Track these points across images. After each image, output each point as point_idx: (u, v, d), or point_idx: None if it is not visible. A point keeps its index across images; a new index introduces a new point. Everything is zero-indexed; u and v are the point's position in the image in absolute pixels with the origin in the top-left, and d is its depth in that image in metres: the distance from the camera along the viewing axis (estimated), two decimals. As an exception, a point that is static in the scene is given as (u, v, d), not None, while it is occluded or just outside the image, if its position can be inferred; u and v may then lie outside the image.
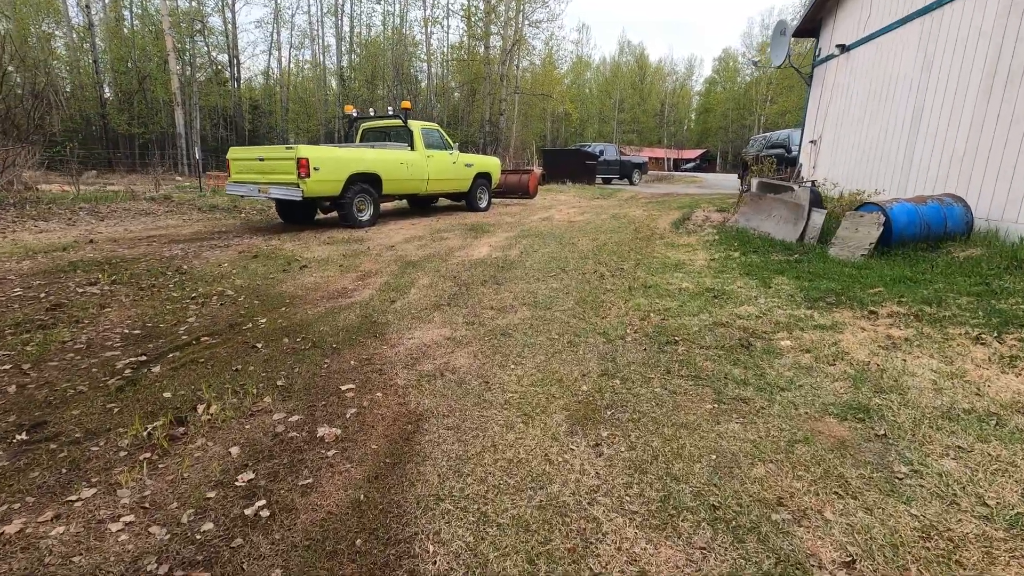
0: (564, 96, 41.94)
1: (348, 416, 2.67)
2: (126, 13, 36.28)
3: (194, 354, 3.47)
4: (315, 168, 7.84)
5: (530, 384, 2.98)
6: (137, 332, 3.89)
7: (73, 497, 2.04)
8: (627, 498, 1.99)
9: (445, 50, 41.21)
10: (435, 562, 1.71)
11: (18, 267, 5.58)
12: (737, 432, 2.43)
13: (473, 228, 8.80)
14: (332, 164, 8.13)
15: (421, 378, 3.10)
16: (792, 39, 11.01)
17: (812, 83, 10.71)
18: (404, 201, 11.99)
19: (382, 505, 1.99)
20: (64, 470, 2.21)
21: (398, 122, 10.00)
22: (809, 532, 1.80)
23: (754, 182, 8.19)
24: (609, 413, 2.63)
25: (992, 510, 1.87)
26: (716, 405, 2.68)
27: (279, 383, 3.03)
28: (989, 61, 5.60)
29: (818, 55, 10.57)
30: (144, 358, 3.40)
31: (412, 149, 9.75)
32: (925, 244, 5.46)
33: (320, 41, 42.94)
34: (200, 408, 2.72)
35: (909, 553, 1.70)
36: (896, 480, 2.06)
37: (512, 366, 3.24)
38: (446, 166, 10.38)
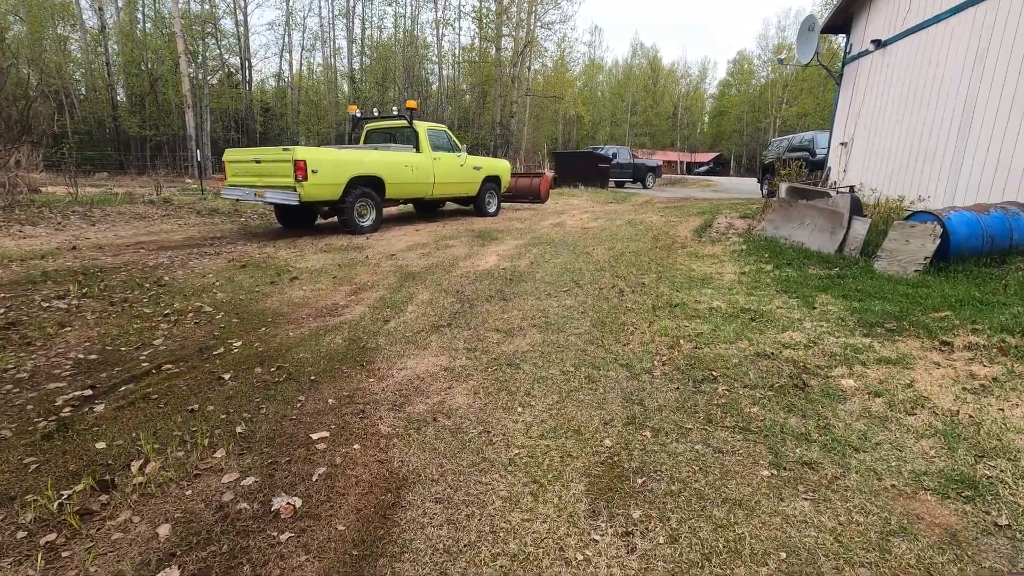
0: (576, 99, 41.42)
1: (315, 479, 2.15)
2: (139, 15, 36.32)
3: (150, 387, 2.98)
4: (313, 171, 7.37)
5: (540, 435, 2.44)
6: (93, 358, 3.41)
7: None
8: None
9: (456, 52, 40.92)
10: None
11: (-14, 277, 5.16)
12: (808, 514, 1.88)
13: (481, 235, 8.29)
14: (331, 167, 7.67)
15: (409, 424, 2.58)
16: (820, 36, 10.38)
17: (842, 82, 10.09)
18: (410, 205, 11.50)
19: (339, 630, 1.47)
20: (-61, 560, 1.72)
21: (403, 123, 9.53)
22: None
23: (783, 187, 7.58)
24: (640, 482, 2.09)
25: None
26: (775, 472, 2.13)
27: (239, 430, 2.52)
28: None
29: (849, 52, 9.94)
30: (90, 392, 2.91)
31: (418, 151, 9.27)
32: (988, 259, 4.85)
33: (331, 43, 42.84)
34: (135, 466, 2.21)
35: None
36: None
37: (519, 408, 2.71)
38: (453, 169, 9.88)
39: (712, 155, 62.18)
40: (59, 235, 7.65)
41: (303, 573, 1.67)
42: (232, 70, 40.41)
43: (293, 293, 4.93)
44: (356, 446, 2.39)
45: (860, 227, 5.66)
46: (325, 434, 2.49)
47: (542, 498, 2.00)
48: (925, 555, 1.68)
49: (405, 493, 2.05)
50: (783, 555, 1.69)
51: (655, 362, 3.24)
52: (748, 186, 26.18)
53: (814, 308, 4.17)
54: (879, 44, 8.55)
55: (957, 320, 3.61)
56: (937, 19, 7.05)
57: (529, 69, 35.64)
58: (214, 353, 3.50)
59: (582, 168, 19.27)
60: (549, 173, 18.59)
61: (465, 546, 1.76)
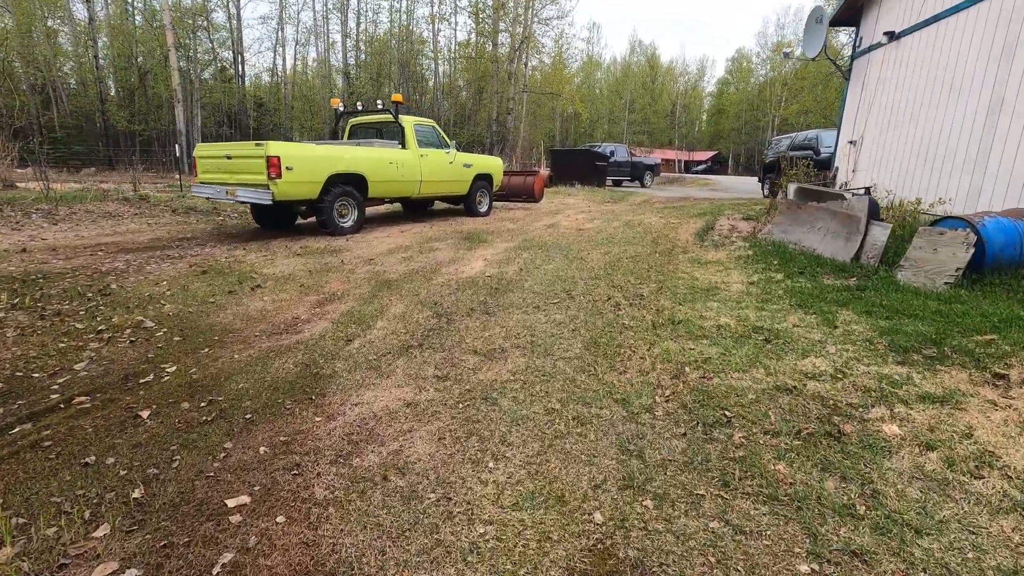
0: (574, 96, 40.82)
1: (215, 573, 1.64)
2: (129, 8, 35.58)
3: (49, 428, 2.47)
4: (287, 168, 6.84)
5: (514, 504, 1.94)
6: (-5, 387, 2.89)
7: None
8: None
9: (452, 48, 40.33)
10: None
11: (-90, 285, 4.63)
12: (869, 641, 1.38)
13: (469, 237, 7.77)
14: (308, 163, 7.13)
15: (353, 483, 2.07)
16: (827, 29, 9.89)
17: (851, 77, 9.60)
18: (398, 204, 10.97)
19: None
20: None
21: (388, 117, 8.99)
22: None
23: (791, 188, 7.10)
24: (641, 582, 1.59)
25: None
26: (816, 568, 1.63)
27: (135, 494, 2.01)
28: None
29: (858, 46, 9.45)
30: (-28, 436, 2.40)
31: (403, 147, 8.74)
32: (1026, 270, 4.37)
33: (326, 37, 42.18)
34: (-18, 553, 1.70)
35: None
36: None
37: (491, 463, 2.20)
38: (442, 166, 9.35)
39: (710, 154, 61.77)
40: (14, 235, 7.10)
41: None
42: (225, 64, 39.73)
43: (251, 305, 4.41)
44: (280, 518, 1.89)
45: (879, 233, 5.17)
46: (245, 500, 1.98)
47: (509, 611, 1.50)
48: None
49: (329, 598, 1.55)
50: None
51: (656, 397, 2.74)
52: (748, 185, 25.72)
53: (835, 327, 3.67)
54: (892, 36, 8.05)
55: (1007, 345, 3.11)
56: (957, 8, 6.56)
57: (526, 65, 35.07)
58: (140, 382, 2.98)
59: (579, 166, 18.75)
60: (544, 171, 18.10)
61: None
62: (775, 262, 5.67)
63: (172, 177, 21.55)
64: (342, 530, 1.82)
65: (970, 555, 1.66)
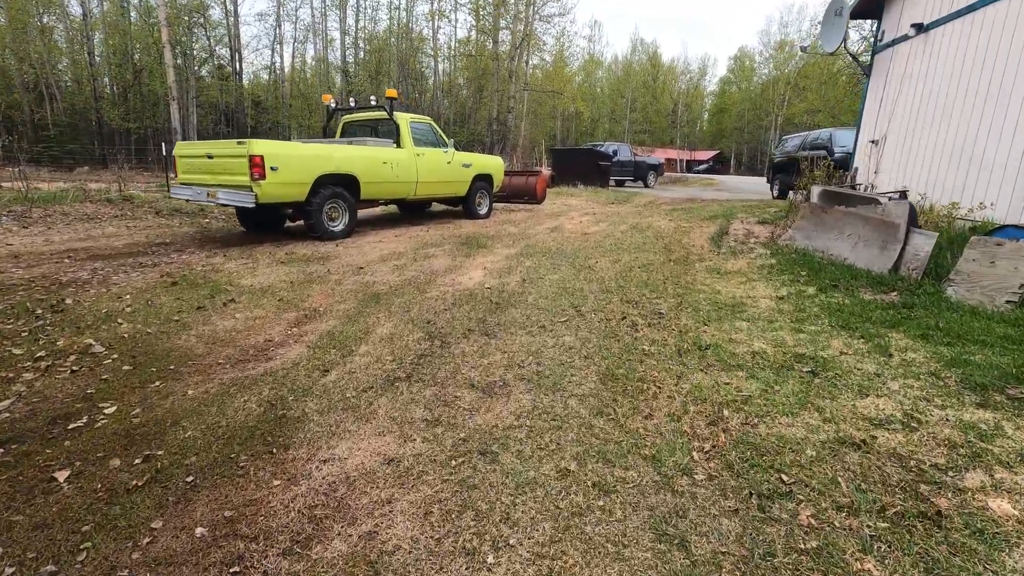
0: (575, 94, 40.29)
1: None
2: (125, 4, 35.02)
3: (-63, 497, 1.97)
4: (272, 168, 6.33)
5: (522, 628, 1.44)
6: None
7: None
8: None
9: (453, 45, 39.80)
10: None
11: None
12: None
13: (467, 242, 7.27)
14: (295, 163, 6.63)
15: (309, 589, 1.57)
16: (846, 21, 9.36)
17: (872, 72, 9.09)
18: (395, 206, 10.46)
19: None
20: None
21: (383, 114, 8.49)
22: None
23: (814, 190, 6.60)
24: None
25: None
26: None
27: (14, 610, 1.51)
28: None
29: (880, 39, 8.93)
30: None
31: (398, 146, 8.23)
32: (1097, 286, 3.86)
33: (324, 35, 41.67)
34: None
35: None
36: None
37: (490, 556, 1.70)
38: (439, 166, 8.84)
39: (712, 153, 61.24)
40: (-23, 240, 6.60)
41: None
42: (222, 62, 39.20)
43: (220, 324, 3.90)
44: (204, 651, 1.38)
45: (922, 242, 4.66)
46: (161, 617, 1.48)
47: None
48: None
49: None
50: None
51: (693, 453, 2.23)
52: (753, 185, 25.22)
53: (890, 355, 3.17)
54: (920, 29, 7.54)
55: (1106, 384, 2.61)
56: (997, -3, 6.05)
57: (527, 63, 34.52)
58: (69, 427, 2.48)
59: (581, 166, 18.24)
60: (546, 171, 17.59)
61: None
62: (803, 273, 5.17)
63: (167, 175, 21.06)
64: (285, 674, 1.32)
65: None
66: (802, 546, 1.71)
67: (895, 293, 4.39)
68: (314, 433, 2.44)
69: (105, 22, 34.05)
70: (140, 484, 2.07)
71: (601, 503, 1.94)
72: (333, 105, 8.95)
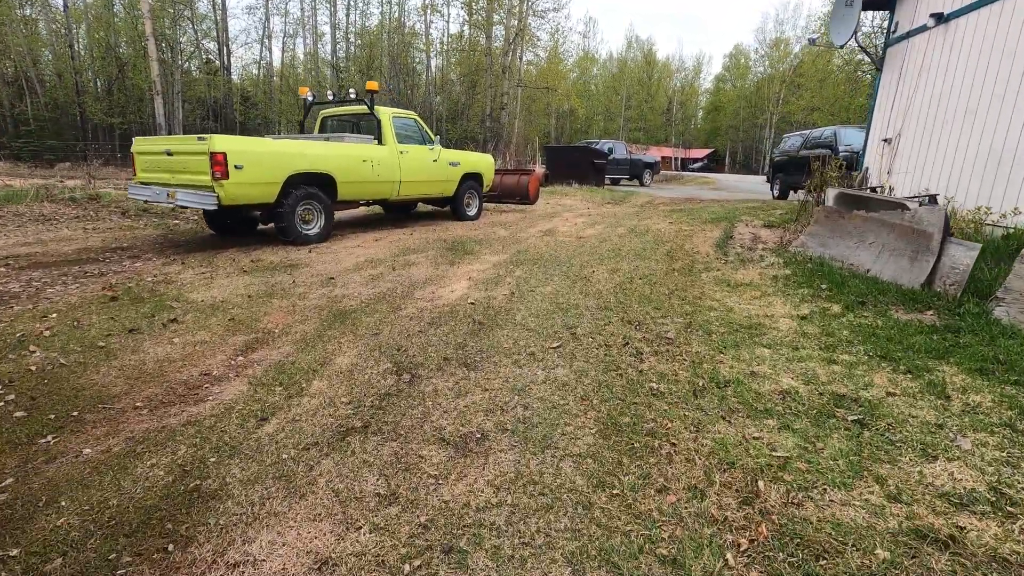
0: (570, 91, 39.70)
1: None
2: (109, -4, 34.08)
3: None
4: (236, 166, 5.73)
5: None
6: None
7: None
8: None
9: (445, 40, 39.09)
10: None
11: None
12: None
13: (453, 247, 6.69)
14: (262, 161, 6.02)
15: None
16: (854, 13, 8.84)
17: (884, 67, 8.58)
18: (379, 206, 9.87)
19: None
20: None
21: (363, 109, 7.88)
22: None
23: (831, 193, 6.07)
24: None
25: None
26: None
27: None
28: None
29: (893, 31, 8.42)
30: None
31: (380, 142, 7.64)
32: None
33: (314, 29, 40.84)
34: None
35: None
36: None
37: None
38: (424, 165, 8.25)
39: (706, 151, 60.89)
40: (-92, 245, 5.97)
41: None
42: (210, 56, 38.29)
43: (152, 351, 3.31)
44: None
45: (961, 255, 4.13)
46: None
47: None
48: None
49: None
50: None
51: (727, 554, 1.68)
52: (751, 184, 24.75)
53: (947, 397, 2.63)
54: (940, 19, 7.02)
55: None
56: (1030, -17, 5.54)
57: (521, 59, 33.90)
58: (-91, 509, 1.90)
59: (576, 164, 17.68)
60: (539, 170, 17.02)
61: None
62: (823, 286, 4.63)
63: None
64: None
65: None
66: None
67: (931, 312, 3.87)
68: (230, 518, 1.87)
69: (89, 14, 33.11)
70: (-32, 610, 1.50)
71: (606, 644, 1.38)
72: (310, 99, 8.33)
